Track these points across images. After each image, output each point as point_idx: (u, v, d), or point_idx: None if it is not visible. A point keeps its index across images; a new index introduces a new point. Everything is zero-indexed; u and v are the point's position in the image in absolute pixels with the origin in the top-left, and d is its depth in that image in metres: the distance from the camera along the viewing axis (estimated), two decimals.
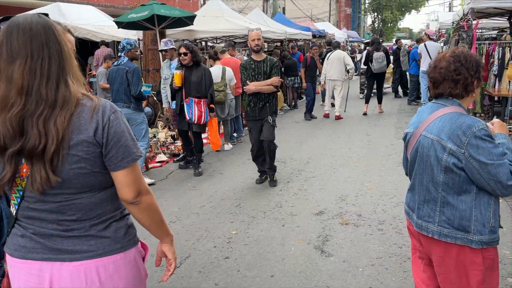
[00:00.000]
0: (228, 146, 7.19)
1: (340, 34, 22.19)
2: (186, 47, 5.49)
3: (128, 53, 5.22)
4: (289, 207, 4.45)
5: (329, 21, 31.64)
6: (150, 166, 6.31)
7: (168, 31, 10.09)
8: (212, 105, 5.68)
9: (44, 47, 1.32)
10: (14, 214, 1.43)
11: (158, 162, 6.55)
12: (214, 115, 5.97)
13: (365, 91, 10.89)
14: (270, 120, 5.10)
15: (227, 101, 6.99)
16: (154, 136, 7.59)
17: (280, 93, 10.97)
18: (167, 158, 6.66)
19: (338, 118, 9.64)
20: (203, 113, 5.49)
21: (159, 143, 7.26)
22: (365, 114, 10.16)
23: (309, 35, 14.86)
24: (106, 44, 11.42)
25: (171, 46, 6.68)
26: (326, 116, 9.98)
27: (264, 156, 5.26)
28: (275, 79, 5.04)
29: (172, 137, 8.07)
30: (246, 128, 9.00)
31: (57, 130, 1.28)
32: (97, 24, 12.36)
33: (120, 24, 9.32)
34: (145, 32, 10.13)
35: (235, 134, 7.79)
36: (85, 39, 12.39)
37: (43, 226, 1.40)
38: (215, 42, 11.84)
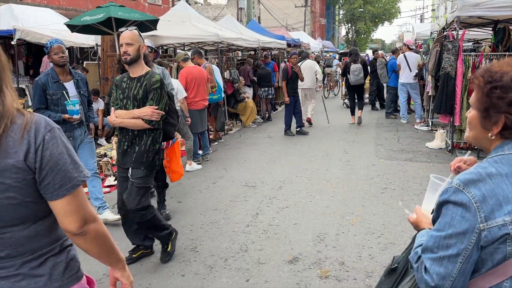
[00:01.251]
0: (190, 167, 6.34)
1: (315, 44, 21.74)
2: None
3: (49, 58, 4.14)
4: (256, 251, 3.64)
5: (304, 31, 31.28)
6: None
7: None
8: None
9: None
10: None
11: (107, 186, 5.64)
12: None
13: (348, 102, 10.85)
14: (132, 177, 3.22)
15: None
16: (105, 155, 6.66)
17: (252, 105, 10.22)
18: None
19: (308, 121, 9.95)
20: None
21: (110, 163, 6.34)
22: (353, 123, 10.14)
23: (283, 44, 14.22)
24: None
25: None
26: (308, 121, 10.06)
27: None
28: (147, 111, 3.13)
29: None
30: (215, 143, 8.40)
31: None
32: (54, 28, 11.29)
33: (73, 28, 8.38)
34: (103, 37, 9.21)
35: (200, 152, 6.96)
36: (39, 44, 11.38)
37: None
38: (183, 49, 11.01)
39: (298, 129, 9.04)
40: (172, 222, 4.28)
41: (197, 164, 6.56)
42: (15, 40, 10.11)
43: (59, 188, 1.20)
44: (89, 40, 10.26)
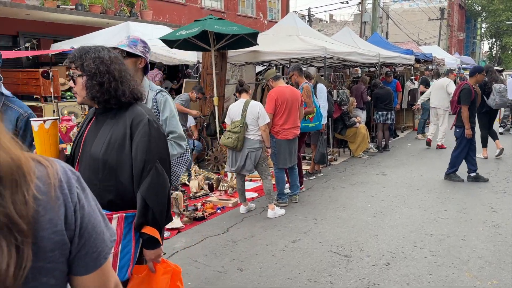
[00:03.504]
0: (272, 212, 4.99)
1: (451, 60, 18.76)
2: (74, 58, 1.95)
3: None
4: None
5: (439, 45, 27.84)
6: None
7: (230, 53, 8.38)
8: (148, 231, 1.89)
9: None
10: None
11: (168, 229, 4.63)
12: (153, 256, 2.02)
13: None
14: None
15: (244, 149, 4.92)
16: (176, 188, 5.72)
17: (364, 131, 8.51)
18: (180, 226, 4.70)
19: (440, 147, 9.16)
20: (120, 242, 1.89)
21: (184, 198, 5.35)
22: (486, 157, 8.00)
23: (411, 59, 12.12)
24: (160, 67, 10.15)
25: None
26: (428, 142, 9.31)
27: None
28: None
29: (210, 186, 6.15)
30: (312, 177, 6.91)
31: None
32: (163, 45, 11.12)
33: (171, 44, 7.81)
34: (204, 54, 8.55)
35: (287, 190, 5.61)
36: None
37: None
38: (288, 66, 9.86)
39: (472, 174, 6.43)
40: None
41: (281, 208, 5.21)
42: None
43: (97, 257, 0.93)
44: (193, 57, 9.79)
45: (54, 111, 6.30)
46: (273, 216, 4.97)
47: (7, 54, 8.65)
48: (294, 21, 9.25)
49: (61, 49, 8.28)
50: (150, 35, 10.70)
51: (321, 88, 6.81)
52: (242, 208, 5.20)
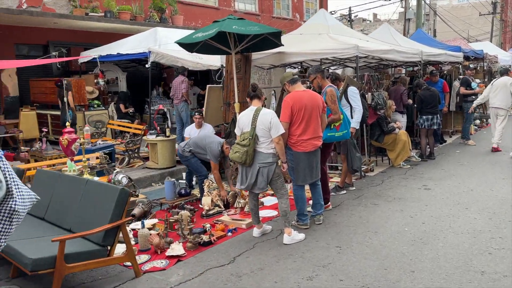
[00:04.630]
0: (289, 238, 4.28)
1: (505, 56, 17.10)
2: None
3: None
4: None
5: (491, 42, 25.79)
6: (147, 267, 3.86)
7: (254, 55, 7.77)
8: None
9: None
10: None
11: (168, 256, 4.05)
12: None
13: None
14: None
15: (255, 164, 4.25)
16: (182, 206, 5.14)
17: (405, 137, 7.59)
18: (182, 253, 4.09)
19: (496, 150, 8.55)
20: None
21: (193, 217, 4.75)
22: None
23: (459, 56, 10.94)
24: (184, 72, 9.69)
25: None
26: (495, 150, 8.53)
27: None
28: None
29: (225, 203, 5.55)
30: (343, 192, 6.00)
31: None
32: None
33: (191, 48, 7.28)
34: (227, 57, 7.99)
35: (310, 210, 4.89)
36: (173, 66, 10.99)
37: None
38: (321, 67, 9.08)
39: None
40: None
41: (301, 231, 4.50)
42: (149, 63, 9.82)
43: None
44: (219, 61, 9.27)
45: (68, 121, 5.98)
46: (290, 242, 4.26)
47: (21, 63, 8.52)
48: (324, 18, 8.49)
49: (68, 57, 7.97)
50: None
51: (353, 91, 6.04)
52: (256, 231, 4.53)
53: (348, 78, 6.45)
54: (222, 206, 5.46)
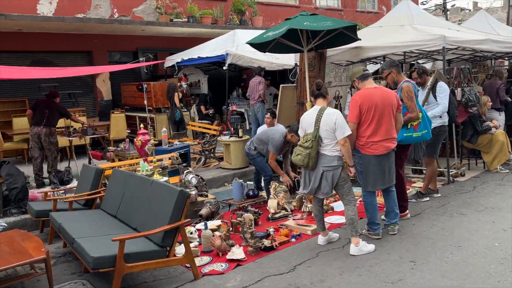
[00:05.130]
0: (357, 248, 3.94)
1: None
2: None
3: None
4: None
5: None
6: (206, 269, 3.81)
7: (329, 51, 7.44)
8: None
9: None
10: None
11: (228, 260, 3.97)
12: None
13: None
14: None
15: (318, 168, 3.95)
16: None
17: (503, 138, 6.69)
18: (242, 257, 3.99)
19: None
20: None
21: (258, 220, 4.62)
22: None
23: None
24: (260, 72, 9.60)
25: None
26: None
27: None
28: None
29: (290, 188, 5.35)
30: (425, 199, 5.54)
31: None
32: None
33: (263, 48, 7.19)
34: (301, 55, 7.76)
35: (384, 218, 4.47)
36: (250, 67, 11.01)
37: None
38: (404, 63, 8.37)
39: None
40: None
41: (371, 241, 4.13)
42: (226, 65, 9.97)
43: None
44: (292, 60, 9.08)
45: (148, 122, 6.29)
46: (357, 253, 3.92)
47: (110, 68, 9.14)
48: (408, 8, 7.82)
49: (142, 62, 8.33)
50: None
51: (442, 87, 5.45)
52: (321, 239, 4.26)
53: (437, 72, 5.84)
54: (289, 210, 5.26)
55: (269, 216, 5.11)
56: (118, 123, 10.11)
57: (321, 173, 3.98)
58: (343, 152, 3.94)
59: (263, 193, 5.88)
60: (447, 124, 5.45)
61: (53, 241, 4.80)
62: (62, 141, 7.98)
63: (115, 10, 11.05)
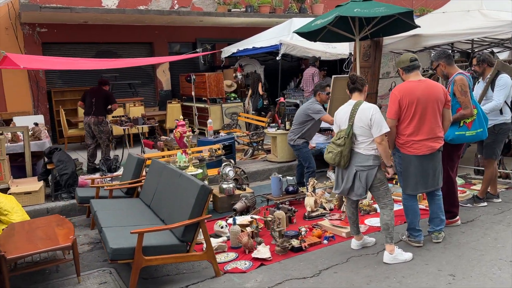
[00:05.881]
0: (391, 257, 3.62)
1: None
2: None
3: None
4: None
5: None
6: (229, 267, 3.72)
7: (386, 40, 6.96)
8: None
9: None
10: None
11: (254, 258, 3.84)
12: None
13: None
14: None
15: (351, 167, 3.64)
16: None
17: None
18: (267, 256, 3.84)
19: None
20: None
21: (293, 218, 4.41)
22: None
23: None
24: (315, 63, 9.24)
25: None
26: None
27: None
28: None
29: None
30: (482, 204, 4.82)
31: None
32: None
33: (313, 37, 6.90)
34: (355, 44, 7.37)
35: (428, 225, 4.06)
36: (305, 57, 10.69)
37: None
38: (471, 51, 7.55)
39: None
40: None
41: (408, 250, 3.76)
42: (279, 55, 9.76)
43: None
44: (346, 49, 8.64)
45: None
46: (391, 261, 3.60)
47: (168, 59, 9.32)
48: None
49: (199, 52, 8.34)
50: None
51: (502, 79, 4.83)
52: (354, 243, 3.98)
53: (499, 63, 5.19)
54: (327, 209, 5.00)
55: (306, 214, 4.90)
56: (173, 112, 10.37)
57: (354, 173, 3.69)
58: (380, 151, 3.61)
59: (305, 189, 5.67)
60: (510, 121, 4.81)
61: (95, 227, 5.00)
62: (118, 130, 8.34)
63: (175, 1, 11.25)
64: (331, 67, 12.12)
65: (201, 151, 5.72)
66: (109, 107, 6.96)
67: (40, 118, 9.85)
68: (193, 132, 8.95)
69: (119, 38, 11.16)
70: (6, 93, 9.86)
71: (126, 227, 3.77)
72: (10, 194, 5.32)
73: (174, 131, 5.14)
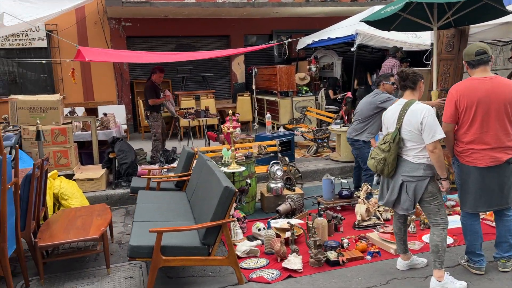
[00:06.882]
0: (439, 284, 3.07)
1: None
2: None
3: None
4: None
5: None
6: (255, 275, 3.47)
7: (473, 28, 6.12)
8: None
9: None
10: None
11: (283, 268, 3.54)
12: None
13: None
14: None
15: (398, 176, 3.12)
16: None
17: None
18: (297, 268, 3.51)
19: None
20: None
21: (339, 226, 4.02)
22: None
23: None
24: (395, 54, 8.44)
25: None
26: None
27: None
28: None
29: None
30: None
31: None
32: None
33: (386, 25, 6.31)
34: (438, 33, 6.61)
35: (495, 251, 3.38)
36: (384, 48, 9.85)
37: None
38: None
39: None
40: None
41: (463, 277, 3.16)
42: (355, 45, 9.13)
43: None
44: (427, 40, 7.77)
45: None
46: (440, 287, 3.06)
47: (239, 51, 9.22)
48: None
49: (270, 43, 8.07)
50: None
51: None
52: (400, 263, 3.47)
53: None
54: (382, 219, 4.48)
55: (355, 223, 4.45)
56: (243, 105, 10.32)
57: (401, 183, 3.18)
58: (433, 160, 3.06)
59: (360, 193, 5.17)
60: None
61: None
62: (183, 122, 8.50)
63: None
64: (416, 58, 11.09)
65: (250, 147, 5.52)
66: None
67: (122, 108, 10.51)
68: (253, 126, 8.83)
69: (197, 32, 11.39)
70: (94, 83, 10.65)
71: (157, 222, 3.72)
72: (74, 180, 5.67)
73: (222, 125, 5.01)
